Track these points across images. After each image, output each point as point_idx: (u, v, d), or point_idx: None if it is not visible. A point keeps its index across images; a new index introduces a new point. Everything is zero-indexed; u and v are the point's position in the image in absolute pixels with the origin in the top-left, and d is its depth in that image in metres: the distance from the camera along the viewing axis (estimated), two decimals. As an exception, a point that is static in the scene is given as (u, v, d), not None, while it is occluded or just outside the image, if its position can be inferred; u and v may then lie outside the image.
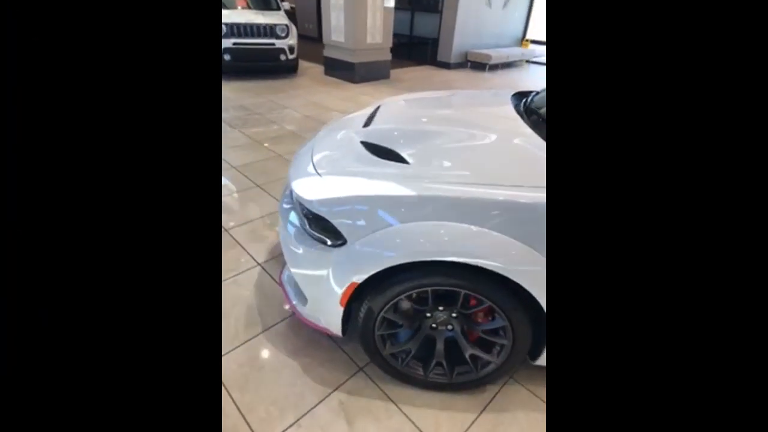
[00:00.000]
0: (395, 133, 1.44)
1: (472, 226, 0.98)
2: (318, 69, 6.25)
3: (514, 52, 7.52)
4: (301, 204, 1.22)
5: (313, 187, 1.20)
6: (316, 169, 1.27)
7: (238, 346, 1.42)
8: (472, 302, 1.11)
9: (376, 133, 1.45)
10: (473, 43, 7.25)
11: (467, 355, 1.21)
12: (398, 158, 1.25)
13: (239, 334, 1.47)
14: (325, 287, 1.17)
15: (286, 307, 1.60)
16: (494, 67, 7.30)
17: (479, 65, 7.17)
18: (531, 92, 1.99)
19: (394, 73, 6.25)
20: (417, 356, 1.25)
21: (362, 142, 1.38)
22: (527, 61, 8.28)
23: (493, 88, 5.88)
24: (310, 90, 5.11)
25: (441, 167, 1.17)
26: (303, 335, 1.48)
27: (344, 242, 1.10)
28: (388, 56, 5.85)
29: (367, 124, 1.57)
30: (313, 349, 1.43)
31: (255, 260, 1.87)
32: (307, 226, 1.20)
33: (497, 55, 6.99)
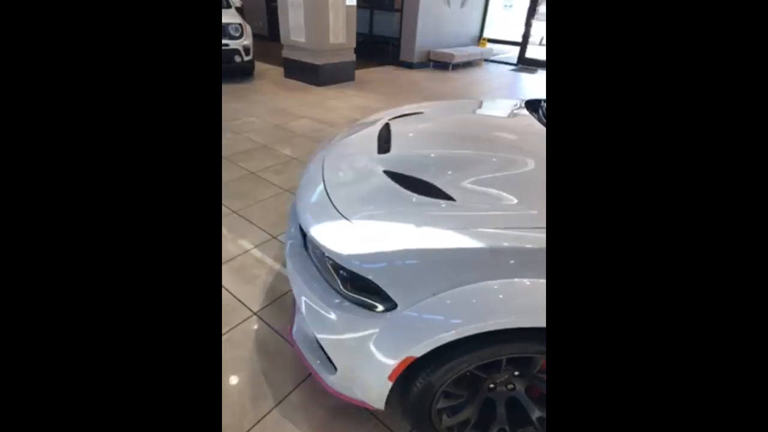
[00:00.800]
0: (423, 161, 1.24)
1: None
2: (276, 71, 5.85)
3: (474, 51, 7.56)
4: (328, 258, 0.99)
5: (345, 236, 0.98)
6: (340, 212, 1.04)
7: (250, 430, 1.16)
8: (543, 365, 0.95)
9: (400, 161, 1.24)
10: (434, 42, 7.18)
11: (534, 418, 1.04)
12: (437, 192, 1.05)
13: (247, 412, 1.20)
14: (365, 358, 0.95)
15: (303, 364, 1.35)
16: (456, 66, 7.30)
17: (441, 65, 7.12)
18: (542, 99, 1.88)
19: (358, 74, 6.01)
20: (476, 424, 1.07)
21: (386, 172, 1.17)
22: (486, 60, 8.39)
23: (468, 93, 5.84)
24: (272, 95, 4.74)
25: (494, 204, 0.99)
26: (326, 404, 1.24)
27: (394, 306, 0.89)
28: (353, 57, 5.60)
29: (382, 148, 1.35)
30: (343, 421, 1.20)
31: (249, 308, 1.59)
32: (341, 286, 0.97)
33: (459, 54, 6.98)
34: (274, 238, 2.04)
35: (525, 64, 8.11)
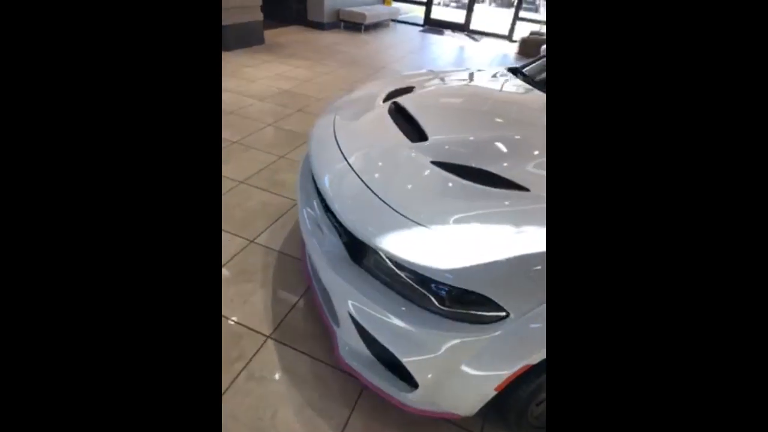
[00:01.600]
0: (468, 147, 1.14)
1: None
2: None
3: (383, 11, 7.32)
4: (410, 273, 0.86)
5: (429, 247, 0.85)
6: (410, 218, 0.91)
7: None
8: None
9: (443, 149, 1.11)
10: (342, 1, 6.72)
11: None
12: (507, 183, 0.98)
13: (310, 455, 1.05)
14: (462, 372, 0.88)
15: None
16: (368, 28, 6.99)
17: (353, 25, 6.74)
18: (524, 66, 1.88)
19: (267, 35, 5.36)
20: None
21: (436, 164, 1.05)
22: (393, 20, 8.21)
23: (388, 56, 5.65)
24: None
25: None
26: (394, 420, 1.14)
27: (506, 316, 0.82)
28: (260, 16, 4.93)
29: (412, 134, 1.20)
30: (419, 430, 1.12)
31: (259, 333, 1.35)
32: (436, 303, 0.86)
33: (370, 14, 6.67)
34: (252, 242, 1.75)
35: (431, 25, 8.17)
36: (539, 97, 1.51)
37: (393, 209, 0.94)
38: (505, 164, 1.05)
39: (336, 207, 1.03)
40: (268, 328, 1.37)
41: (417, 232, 0.88)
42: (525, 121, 1.35)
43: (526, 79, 1.72)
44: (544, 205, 0.91)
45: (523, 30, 7.37)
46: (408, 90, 1.58)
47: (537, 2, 7.58)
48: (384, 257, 0.92)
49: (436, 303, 0.86)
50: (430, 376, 0.94)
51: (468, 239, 0.85)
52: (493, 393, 0.91)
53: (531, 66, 1.88)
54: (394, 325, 0.91)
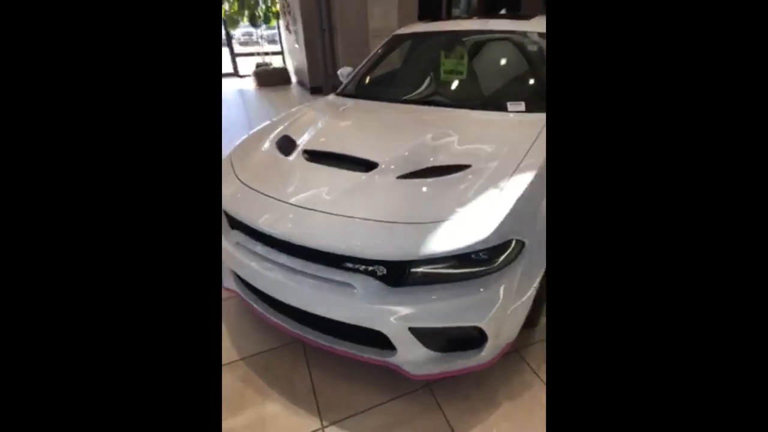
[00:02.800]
0: (413, 156, 1.38)
1: None
2: None
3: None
4: (455, 257, 1.07)
5: (458, 232, 1.08)
6: (426, 221, 1.11)
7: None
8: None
9: (398, 166, 1.32)
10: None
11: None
12: (458, 167, 1.29)
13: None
14: (512, 305, 1.18)
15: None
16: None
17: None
18: (348, 90, 2.19)
19: None
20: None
21: (403, 177, 1.26)
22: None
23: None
24: None
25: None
26: (470, 386, 1.31)
27: (524, 244, 1.14)
28: None
29: (360, 166, 1.33)
30: (492, 380, 1.34)
31: (315, 417, 1.19)
32: (486, 267, 1.10)
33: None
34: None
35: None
36: (412, 107, 1.89)
37: (407, 224, 1.10)
38: (442, 156, 1.36)
39: (357, 250, 1.08)
40: (319, 420, 1.23)
41: (440, 228, 1.09)
42: (426, 121, 1.70)
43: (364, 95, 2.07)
44: (489, 168, 1.27)
45: (246, 64, 7.72)
46: (288, 136, 1.64)
47: (256, 38, 8.04)
48: (435, 261, 1.07)
49: (484, 267, 1.10)
50: (494, 324, 1.17)
51: (473, 212, 1.12)
52: (528, 310, 1.24)
53: (355, 86, 2.24)
54: (457, 307, 1.09)
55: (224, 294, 1.74)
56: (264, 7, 6.66)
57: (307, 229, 1.16)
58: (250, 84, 7.23)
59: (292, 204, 1.24)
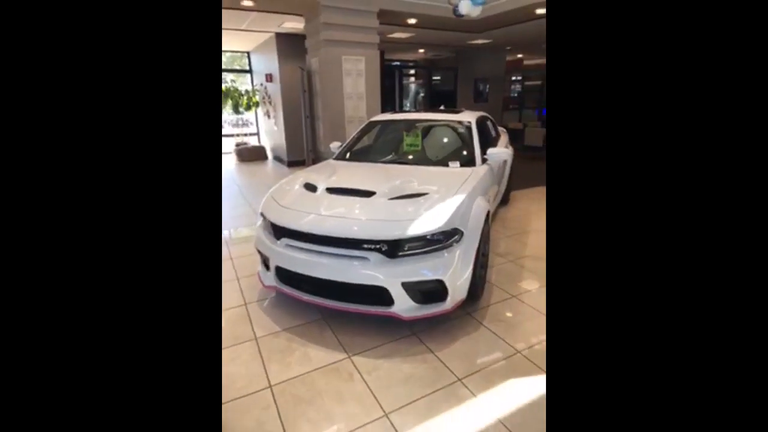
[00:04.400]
0: (398, 187, 2.30)
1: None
2: None
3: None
4: (428, 237, 1.93)
5: (426, 223, 1.95)
6: (408, 218, 1.98)
7: None
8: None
9: (390, 191, 2.24)
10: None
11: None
12: (424, 193, 2.21)
13: None
14: (463, 270, 2.02)
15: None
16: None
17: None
18: (341, 155, 3.13)
19: None
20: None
21: (393, 198, 2.15)
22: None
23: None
24: None
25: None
26: (446, 320, 2.07)
27: (463, 233, 2.03)
28: None
29: (363, 194, 2.20)
30: (452, 321, 2.09)
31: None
32: (444, 242, 1.95)
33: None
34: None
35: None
36: (388, 165, 2.88)
37: (398, 220, 1.97)
38: (413, 188, 2.27)
39: (374, 232, 1.91)
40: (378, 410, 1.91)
41: (417, 221, 1.96)
42: (400, 171, 2.66)
43: (353, 159, 3.03)
44: (440, 193, 2.19)
45: (225, 144, 8.70)
46: (312, 183, 2.50)
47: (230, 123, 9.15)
48: (414, 240, 1.92)
49: (442, 244, 1.95)
50: (452, 282, 1.99)
51: (434, 212, 2.01)
52: (471, 272, 2.09)
53: (345, 153, 3.20)
54: (429, 267, 1.92)
55: (266, 291, 2.49)
56: (246, 98, 7.89)
57: (339, 226, 1.98)
58: (231, 159, 8.13)
59: (323, 215, 2.06)
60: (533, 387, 1.67)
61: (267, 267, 2.30)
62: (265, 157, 8.21)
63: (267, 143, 8.48)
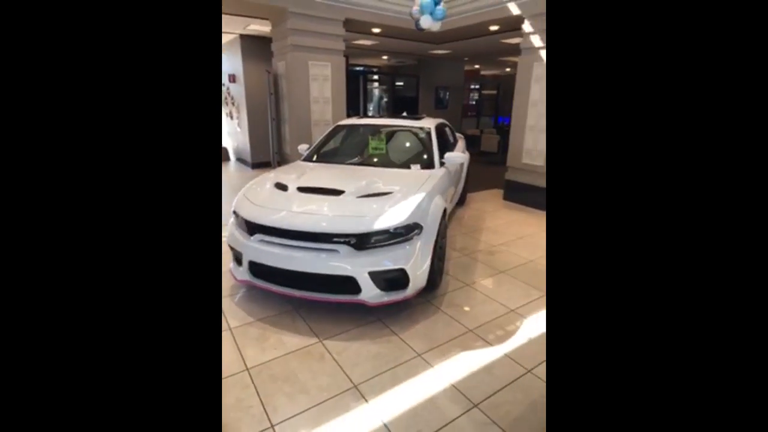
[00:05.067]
0: (364, 187, 2.51)
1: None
2: None
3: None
4: (392, 230, 2.16)
5: (391, 218, 2.18)
6: (376, 214, 2.20)
7: (407, 341, 2.05)
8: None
9: (357, 191, 2.44)
10: None
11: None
12: (389, 192, 2.44)
13: None
14: (423, 262, 2.27)
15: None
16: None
17: None
18: (310, 157, 3.30)
19: None
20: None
21: (360, 197, 2.35)
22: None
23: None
24: None
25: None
26: (407, 306, 2.29)
27: (422, 227, 2.28)
28: None
29: (333, 193, 2.39)
30: (414, 306, 2.33)
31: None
32: (405, 235, 2.19)
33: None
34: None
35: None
36: (355, 166, 3.09)
37: (365, 216, 2.18)
38: (378, 188, 2.49)
39: (344, 227, 2.11)
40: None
41: (382, 217, 2.18)
42: (366, 172, 2.87)
43: (321, 161, 3.21)
44: (402, 192, 2.43)
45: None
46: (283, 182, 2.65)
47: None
48: (379, 234, 2.13)
49: (404, 237, 2.19)
50: (413, 271, 2.23)
51: (397, 208, 2.25)
52: (429, 263, 2.34)
53: (313, 155, 3.36)
54: (393, 257, 2.14)
55: (237, 286, 2.60)
56: (208, 98, 7.75)
57: (311, 222, 2.16)
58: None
59: (296, 211, 2.23)
60: (482, 357, 1.94)
61: (239, 262, 2.41)
62: (227, 158, 8.10)
63: (229, 144, 8.37)
